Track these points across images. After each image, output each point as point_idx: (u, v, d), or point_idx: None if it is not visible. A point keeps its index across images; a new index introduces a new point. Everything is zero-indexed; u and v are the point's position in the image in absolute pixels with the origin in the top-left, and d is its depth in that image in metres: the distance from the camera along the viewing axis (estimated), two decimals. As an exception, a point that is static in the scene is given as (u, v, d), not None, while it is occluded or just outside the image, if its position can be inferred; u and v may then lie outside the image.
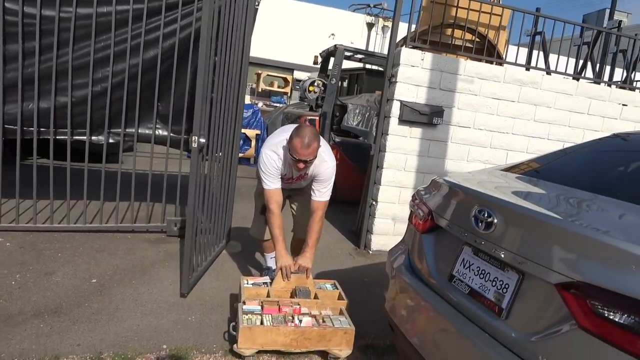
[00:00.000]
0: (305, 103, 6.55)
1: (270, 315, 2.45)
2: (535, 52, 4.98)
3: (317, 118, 6.09)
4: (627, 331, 1.20)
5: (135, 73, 3.79)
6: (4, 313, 2.57)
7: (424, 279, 1.98)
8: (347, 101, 6.86)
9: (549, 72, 4.82)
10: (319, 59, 6.99)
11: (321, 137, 2.81)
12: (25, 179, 3.61)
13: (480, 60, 4.61)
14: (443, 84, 4.37)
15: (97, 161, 3.88)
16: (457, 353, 1.67)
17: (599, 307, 1.26)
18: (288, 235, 3.15)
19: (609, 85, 5.17)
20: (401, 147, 4.39)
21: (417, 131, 4.40)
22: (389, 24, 17.65)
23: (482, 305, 1.63)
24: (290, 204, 3.34)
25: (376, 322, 2.96)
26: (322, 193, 2.85)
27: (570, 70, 5.09)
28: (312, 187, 2.89)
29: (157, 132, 4.03)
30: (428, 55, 4.27)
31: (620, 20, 5.26)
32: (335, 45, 6.22)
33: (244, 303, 2.55)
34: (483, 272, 1.68)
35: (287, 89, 15.13)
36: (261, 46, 13.21)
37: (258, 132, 8.31)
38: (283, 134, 2.80)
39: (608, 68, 5.52)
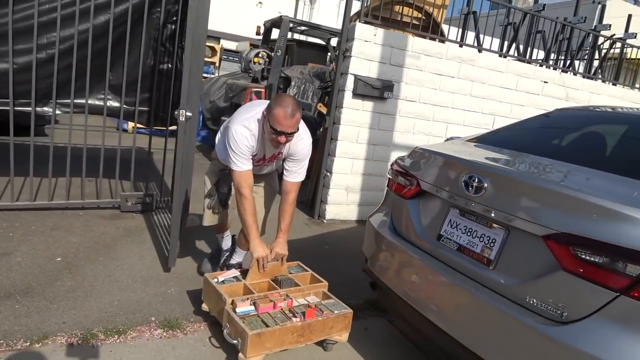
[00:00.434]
0: (249, 74, 6.47)
1: (267, 314, 2.22)
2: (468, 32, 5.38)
3: (263, 90, 6.08)
4: (601, 268, 1.49)
5: (84, 40, 3.56)
6: (-30, 296, 2.42)
7: (410, 240, 2.19)
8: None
9: (480, 50, 5.23)
10: (262, 29, 6.91)
11: None
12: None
13: (424, 37, 4.88)
14: (393, 59, 4.59)
15: (23, 135, 3.60)
16: (448, 300, 1.91)
17: (579, 252, 1.53)
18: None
19: (540, 64, 5.72)
20: (354, 120, 4.58)
21: (369, 104, 4.61)
22: (318, -5, 17.62)
23: (471, 258, 1.88)
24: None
25: (345, 284, 3.18)
26: (298, 174, 2.61)
27: (502, 50, 5.55)
28: (286, 166, 2.63)
29: (108, 104, 3.84)
30: (380, 31, 4.45)
31: (544, 4, 5.80)
32: (280, 16, 6.18)
33: (234, 305, 2.22)
34: (470, 230, 1.92)
35: (215, 59, 14.64)
36: (189, 13, 12.59)
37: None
38: (254, 108, 2.52)
39: (535, 51, 6.08)
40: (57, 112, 3.70)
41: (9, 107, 3.42)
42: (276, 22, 6.43)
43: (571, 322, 1.53)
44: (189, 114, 2.68)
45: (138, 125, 4.12)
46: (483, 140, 2.56)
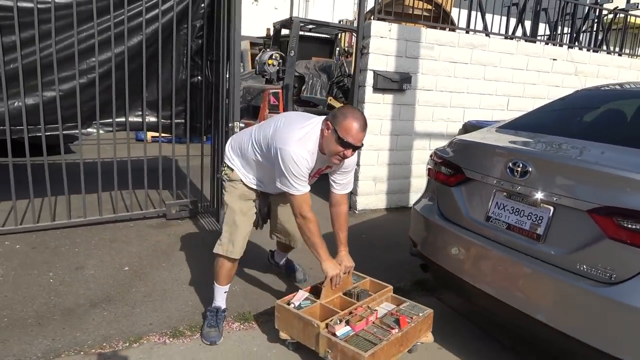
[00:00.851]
0: (263, 76, 6.67)
1: (363, 330, 2.21)
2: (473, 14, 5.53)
3: (280, 91, 6.29)
4: (641, 234, 1.71)
5: (121, 61, 3.78)
6: (62, 308, 2.67)
7: (459, 223, 2.42)
8: None
9: (487, 34, 5.40)
10: (271, 31, 7.09)
11: None
12: (4, 179, 3.54)
13: (436, 27, 5.06)
14: (409, 52, 4.78)
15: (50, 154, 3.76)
16: (502, 273, 2.14)
17: (621, 221, 1.76)
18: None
19: (547, 43, 5.89)
20: (377, 113, 4.79)
21: (389, 97, 4.81)
22: (313, -12, 17.69)
23: (521, 235, 2.11)
24: (271, 206, 2.75)
25: (389, 269, 3.42)
26: (349, 184, 2.54)
27: (508, 31, 5.72)
28: (335, 179, 2.51)
29: (146, 120, 4.07)
30: (394, 26, 4.64)
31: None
32: (290, 17, 6.36)
33: (332, 329, 2.14)
34: (518, 210, 2.15)
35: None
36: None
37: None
38: (301, 123, 2.30)
39: (541, 26, 6.24)
40: (101, 131, 3.93)
41: (57, 131, 3.66)
42: (286, 23, 6.61)
43: (619, 282, 1.75)
44: (242, 124, 2.90)
45: (157, 135, 4.23)
46: (513, 126, 2.76)
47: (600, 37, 6.52)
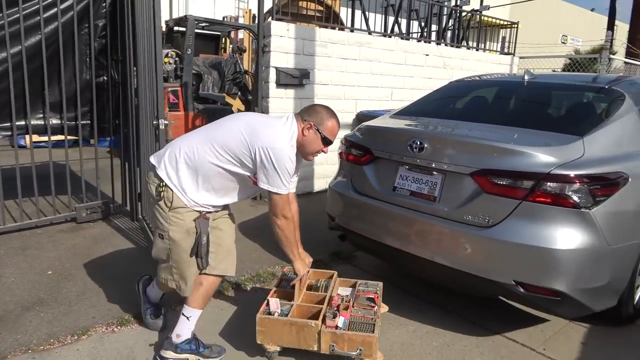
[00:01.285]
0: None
1: (352, 316, 2.33)
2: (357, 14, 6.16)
3: (179, 88, 6.31)
4: (508, 187, 2.31)
5: (19, 61, 3.62)
6: (-8, 315, 2.61)
7: (371, 195, 2.89)
8: None
9: (370, 32, 6.06)
10: (163, 28, 7.01)
11: None
12: None
13: (327, 27, 5.55)
14: (305, 50, 5.20)
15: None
16: (409, 229, 2.65)
17: (493, 179, 2.34)
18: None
19: (419, 41, 6.73)
20: (280, 107, 5.14)
21: (291, 92, 5.19)
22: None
23: (421, 199, 2.63)
24: (216, 227, 2.41)
25: (306, 245, 3.80)
26: (295, 182, 2.49)
27: (387, 30, 6.45)
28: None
29: (51, 122, 3.94)
30: (292, 26, 5.02)
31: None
32: (185, 16, 6.40)
33: (333, 323, 2.22)
34: (418, 179, 2.67)
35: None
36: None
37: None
38: (277, 122, 2.27)
39: (415, 25, 7.09)
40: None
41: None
42: (180, 21, 6.63)
43: (494, 225, 2.34)
44: (165, 122, 3.04)
45: (37, 139, 4.09)
46: (405, 112, 3.32)
47: (461, 35, 7.61)
